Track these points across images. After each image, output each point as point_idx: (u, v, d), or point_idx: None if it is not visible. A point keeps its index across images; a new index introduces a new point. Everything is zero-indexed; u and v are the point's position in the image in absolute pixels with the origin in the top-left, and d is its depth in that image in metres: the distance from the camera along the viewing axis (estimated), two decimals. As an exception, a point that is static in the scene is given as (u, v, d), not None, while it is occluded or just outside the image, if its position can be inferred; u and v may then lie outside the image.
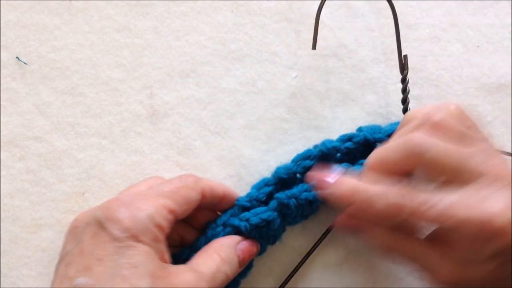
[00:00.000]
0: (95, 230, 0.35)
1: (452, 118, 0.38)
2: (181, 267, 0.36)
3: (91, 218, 0.35)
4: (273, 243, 0.43)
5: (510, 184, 0.35)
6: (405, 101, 0.45)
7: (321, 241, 0.44)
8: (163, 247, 0.36)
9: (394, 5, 0.45)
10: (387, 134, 0.43)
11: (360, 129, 0.44)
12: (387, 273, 0.46)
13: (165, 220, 0.36)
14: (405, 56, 0.46)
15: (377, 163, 0.39)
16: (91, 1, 0.46)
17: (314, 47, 0.44)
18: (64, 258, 0.35)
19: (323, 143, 0.43)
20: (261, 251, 0.42)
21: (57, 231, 0.44)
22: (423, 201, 0.35)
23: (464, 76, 0.48)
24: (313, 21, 0.46)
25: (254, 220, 0.40)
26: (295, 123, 0.47)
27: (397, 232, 0.39)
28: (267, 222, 0.41)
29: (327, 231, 0.44)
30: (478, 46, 0.49)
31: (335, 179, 0.39)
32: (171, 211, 0.37)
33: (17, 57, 0.45)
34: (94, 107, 0.45)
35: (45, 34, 0.46)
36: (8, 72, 0.45)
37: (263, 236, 0.41)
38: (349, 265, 0.46)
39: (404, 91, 0.45)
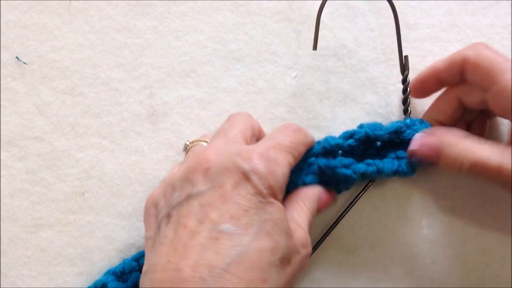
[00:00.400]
0: (238, 178, 0.34)
1: None
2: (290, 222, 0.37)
3: (230, 164, 0.35)
4: None
5: None
6: (405, 102, 0.45)
7: (325, 238, 0.45)
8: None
9: (394, 5, 0.45)
10: (388, 131, 0.43)
11: (361, 126, 0.44)
12: (387, 273, 0.46)
13: (288, 178, 0.38)
14: (406, 56, 0.46)
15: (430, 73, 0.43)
16: (91, 1, 0.46)
17: (315, 47, 0.44)
18: (197, 197, 0.34)
19: (326, 140, 0.43)
20: None
21: (57, 231, 0.44)
22: None
23: (464, 76, 0.48)
24: (313, 21, 0.46)
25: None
26: (295, 123, 0.47)
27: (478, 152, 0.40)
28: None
29: (332, 227, 0.44)
30: (478, 46, 0.49)
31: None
32: (291, 168, 0.38)
33: (16, 57, 0.45)
34: (94, 107, 0.45)
35: (45, 34, 0.45)
36: (8, 72, 0.45)
37: None
38: (349, 265, 0.46)
39: (405, 91, 0.45)
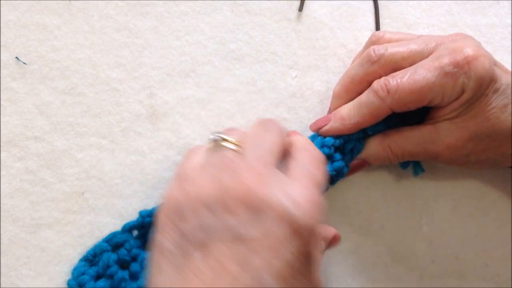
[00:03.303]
0: (290, 231, 0.31)
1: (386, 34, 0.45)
2: None
3: (279, 207, 0.31)
4: None
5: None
6: None
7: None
8: None
9: (394, 4, 0.45)
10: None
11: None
12: (387, 273, 0.46)
13: None
14: None
15: (347, 83, 0.44)
16: (91, 1, 0.46)
17: (300, 8, 0.46)
18: (246, 241, 0.31)
19: None
20: None
21: (56, 231, 0.44)
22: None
23: (464, 76, 0.48)
24: (313, 21, 0.46)
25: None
26: (295, 123, 0.47)
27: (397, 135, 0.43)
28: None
29: None
30: (478, 46, 0.49)
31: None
32: None
33: (16, 57, 0.45)
34: (94, 107, 0.45)
35: (45, 34, 0.45)
36: (8, 72, 0.45)
37: None
38: (349, 265, 0.46)
39: None
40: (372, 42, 0.45)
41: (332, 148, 0.43)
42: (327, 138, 0.43)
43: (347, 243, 0.46)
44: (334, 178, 0.44)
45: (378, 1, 0.48)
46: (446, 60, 0.40)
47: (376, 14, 0.47)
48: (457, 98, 0.40)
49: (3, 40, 0.45)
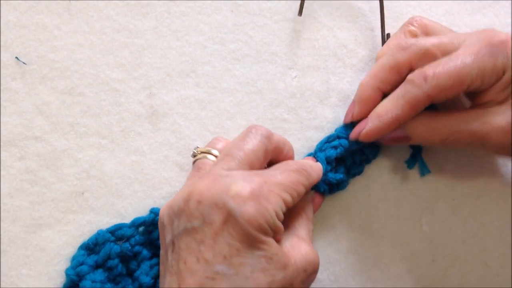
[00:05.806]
0: (226, 217, 0.35)
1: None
2: (288, 242, 0.38)
3: (219, 200, 0.35)
4: None
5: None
6: None
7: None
8: (281, 236, 0.38)
9: (394, 4, 0.45)
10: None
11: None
12: (387, 272, 0.46)
13: (283, 213, 0.37)
14: (388, 34, 0.47)
15: (375, 72, 0.43)
16: (91, 1, 0.46)
17: (300, 13, 0.46)
18: (192, 232, 0.36)
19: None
20: None
21: (56, 230, 0.44)
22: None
23: (464, 76, 0.48)
24: (313, 21, 0.46)
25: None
26: (295, 123, 0.47)
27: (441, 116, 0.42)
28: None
29: None
30: (478, 46, 0.49)
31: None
32: (288, 206, 0.37)
33: (16, 57, 0.45)
34: (94, 107, 0.45)
35: (44, 34, 0.45)
36: (7, 72, 0.45)
37: None
38: (349, 265, 0.46)
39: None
40: (409, 23, 0.44)
41: (334, 163, 0.44)
42: (329, 152, 0.44)
43: (347, 243, 0.46)
44: (334, 187, 0.45)
45: (379, 0, 0.48)
46: (480, 45, 0.39)
47: (382, 13, 0.47)
48: (498, 80, 0.40)
49: (3, 40, 0.45)
